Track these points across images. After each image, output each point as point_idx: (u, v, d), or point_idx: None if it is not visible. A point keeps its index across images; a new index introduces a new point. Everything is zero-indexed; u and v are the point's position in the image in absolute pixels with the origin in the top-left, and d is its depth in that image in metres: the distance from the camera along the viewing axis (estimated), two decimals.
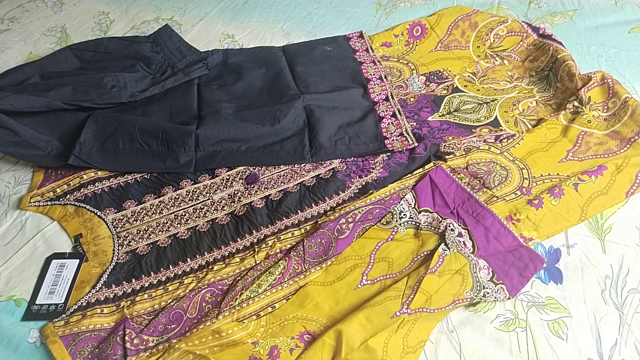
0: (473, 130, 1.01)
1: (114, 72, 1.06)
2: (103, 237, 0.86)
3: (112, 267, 0.81)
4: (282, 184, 0.92)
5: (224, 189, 0.92)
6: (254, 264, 0.80)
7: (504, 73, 1.14)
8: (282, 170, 0.94)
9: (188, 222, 0.88)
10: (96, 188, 0.92)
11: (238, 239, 0.85)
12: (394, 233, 0.81)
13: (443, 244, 0.77)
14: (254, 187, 0.92)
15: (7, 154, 0.96)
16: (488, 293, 0.72)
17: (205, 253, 0.83)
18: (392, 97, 1.07)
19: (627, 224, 0.83)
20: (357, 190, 0.90)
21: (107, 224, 0.88)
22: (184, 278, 0.80)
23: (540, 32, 1.18)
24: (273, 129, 0.97)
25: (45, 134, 0.96)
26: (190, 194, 0.92)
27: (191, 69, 1.11)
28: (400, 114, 1.03)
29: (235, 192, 0.91)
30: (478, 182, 0.88)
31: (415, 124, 1.02)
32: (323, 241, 0.81)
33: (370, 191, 0.89)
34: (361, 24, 1.33)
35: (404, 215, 0.83)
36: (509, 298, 0.73)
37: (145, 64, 1.12)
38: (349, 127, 0.99)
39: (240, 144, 0.96)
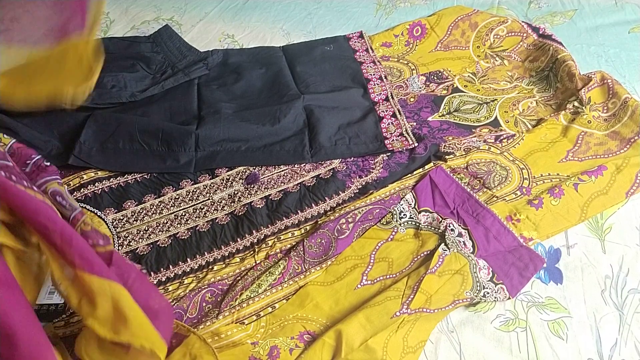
0: (473, 130, 1.01)
1: (114, 72, 1.06)
2: None
3: None
4: (282, 184, 0.92)
5: (224, 189, 0.92)
6: (254, 264, 0.80)
7: (504, 73, 1.14)
8: (282, 170, 0.94)
9: (188, 222, 0.88)
10: (96, 188, 0.92)
11: (238, 239, 0.85)
12: (394, 233, 0.82)
13: (443, 244, 0.77)
14: (254, 187, 0.92)
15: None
16: (488, 293, 0.72)
17: (205, 253, 0.83)
18: (392, 97, 1.07)
19: (627, 224, 0.83)
20: (357, 190, 0.91)
21: (107, 224, 0.88)
22: (184, 278, 0.80)
23: (540, 32, 1.18)
24: (273, 129, 0.97)
25: (45, 134, 0.96)
26: (190, 194, 0.92)
27: (191, 69, 1.11)
28: (400, 114, 1.03)
29: (235, 192, 0.91)
30: (478, 182, 0.88)
31: (415, 124, 1.02)
32: (323, 241, 0.81)
33: (370, 191, 0.89)
34: (361, 24, 1.33)
35: (404, 215, 0.83)
36: (509, 298, 0.73)
37: (145, 64, 1.12)
38: (349, 127, 1.00)
39: (240, 144, 0.97)
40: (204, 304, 0.76)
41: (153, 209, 0.90)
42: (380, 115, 1.03)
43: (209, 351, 0.67)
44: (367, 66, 1.16)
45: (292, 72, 1.13)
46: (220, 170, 0.95)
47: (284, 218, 0.87)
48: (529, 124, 1.01)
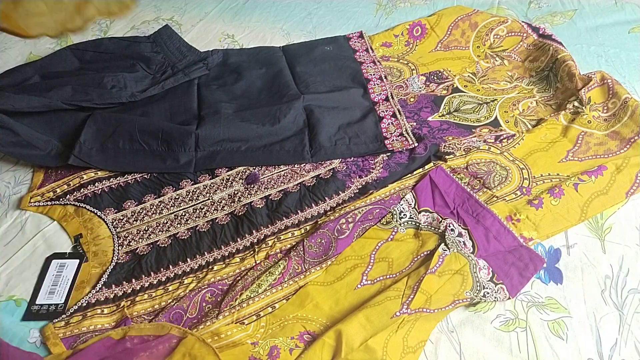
0: (473, 130, 1.01)
1: (114, 72, 1.06)
2: (103, 237, 0.86)
3: (112, 267, 0.81)
4: (282, 184, 0.92)
5: (224, 189, 0.92)
6: (254, 264, 0.80)
7: (504, 73, 1.14)
8: (282, 170, 0.94)
9: (188, 222, 0.88)
10: (96, 188, 0.92)
11: (238, 239, 0.85)
12: (394, 233, 0.82)
13: (443, 244, 0.77)
14: (254, 187, 0.92)
15: (7, 154, 0.96)
16: (488, 293, 0.72)
17: (205, 253, 0.83)
18: (392, 97, 1.07)
19: (627, 224, 0.83)
20: (357, 190, 0.90)
21: (107, 224, 0.88)
22: (184, 278, 0.80)
23: (540, 32, 1.18)
24: (273, 129, 0.97)
25: (45, 134, 0.96)
26: (190, 194, 0.92)
27: (191, 69, 1.11)
28: (400, 114, 1.03)
29: (235, 192, 0.91)
30: (478, 182, 0.88)
31: (415, 124, 1.02)
32: (323, 241, 0.81)
33: (370, 191, 0.89)
34: (361, 24, 1.33)
35: (404, 215, 0.83)
36: (509, 298, 0.73)
37: (145, 64, 1.12)
38: (349, 127, 0.99)
39: (240, 144, 0.97)
40: (204, 304, 0.76)
41: (153, 209, 0.90)
42: (380, 115, 1.03)
43: (209, 351, 0.67)
44: (367, 66, 1.15)
45: (292, 72, 1.13)
46: (220, 170, 0.95)
47: (284, 218, 0.87)
48: (529, 124, 1.01)
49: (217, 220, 0.88)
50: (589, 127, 0.97)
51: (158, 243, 0.85)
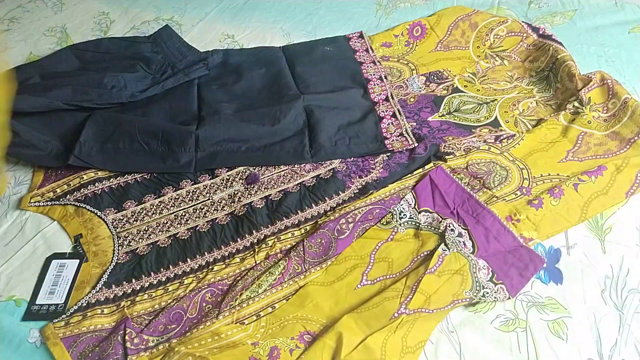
0: (473, 130, 1.01)
1: (114, 73, 1.06)
2: (103, 237, 0.86)
3: (112, 267, 0.81)
4: (282, 184, 0.92)
5: (224, 189, 0.92)
6: (254, 264, 0.80)
7: (504, 73, 1.14)
8: (282, 171, 0.94)
9: (188, 222, 0.88)
10: (96, 188, 0.92)
11: (238, 239, 0.85)
12: (394, 233, 0.82)
13: (443, 244, 0.77)
14: (254, 187, 0.92)
15: (7, 154, 0.96)
16: (487, 293, 0.72)
17: (205, 253, 0.83)
18: (392, 97, 1.07)
19: (627, 224, 0.83)
20: (357, 191, 0.91)
21: (107, 224, 0.88)
22: (184, 278, 0.80)
23: (540, 32, 1.18)
24: (273, 129, 0.97)
25: (45, 134, 0.96)
26: (190, 194, 0.92)
27: (191, 69, 1.11)
28: (400, 114, 1.03)
29: (235, 192, 0.91)
30: (478, 182, 0.88)
31: (415, 124, 1.02)
32: (323, 241, 0.81)
33: (370, 191, 0.89)
34: (361, 24, 1.33)
35: (404, 215, 0.83)
36: (509, 298, 0.73)
37: (146, 64, 1.12)
38: (349, 127, 1.00)
39: (240, 144, 0.97)
40: (204, 304, 0.76)
41: (153, 209, 0.90)
42: (380, 115, 1.03)
43: None
44: (367, 66, 1.15)
45: (292, 72, 1.13)
46: (220, 170, 0.95)
47: (284, 218, 0.87)
48: (529, 124, 1.01)
49: (217, 221, 0.88)
50: (589, 127, 0.97)
51: (158, 243, 0.85)
